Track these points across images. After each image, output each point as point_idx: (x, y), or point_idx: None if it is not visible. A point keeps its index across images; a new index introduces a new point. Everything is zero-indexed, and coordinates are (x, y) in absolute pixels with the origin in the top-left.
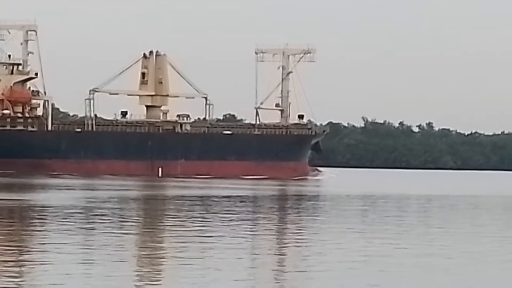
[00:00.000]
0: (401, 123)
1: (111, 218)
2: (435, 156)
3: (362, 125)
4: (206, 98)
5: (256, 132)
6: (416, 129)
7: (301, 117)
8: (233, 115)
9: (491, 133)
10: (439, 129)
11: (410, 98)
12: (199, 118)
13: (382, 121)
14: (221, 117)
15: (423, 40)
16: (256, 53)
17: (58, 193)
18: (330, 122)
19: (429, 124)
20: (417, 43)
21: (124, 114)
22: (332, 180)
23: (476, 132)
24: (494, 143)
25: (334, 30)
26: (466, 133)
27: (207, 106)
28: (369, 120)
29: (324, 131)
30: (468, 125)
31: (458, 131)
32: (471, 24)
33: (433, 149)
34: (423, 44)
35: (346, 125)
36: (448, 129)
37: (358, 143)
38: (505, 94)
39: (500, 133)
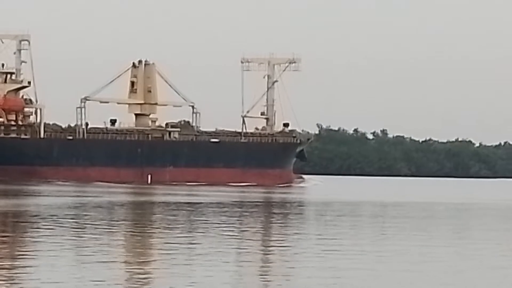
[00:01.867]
0: (355, 130)
1: (100, 223)
2: (390, 163)
3: (317, 131)
4: (193, 107)
5: (242, 140)
6: (370, 136)
7: (286, 125)
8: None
9: (445, 140)
10: (393, 136)
11: (365, 105)
12: (185, 121)
13: (336, 128)
14: (210, 130)
15: (379, 46)
16: (242, 62)
17: (49, 199)
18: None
19: (384, 131)
20: (373, 49)
21: (113, 122)
22: (317, 187)
23: (430, 139)
24: (448, 150)
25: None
26: (420, 140)
27: (194, 115)
28: (324, 127)
29: (308, 139)
30: (422, 132)
31: (412, 138)
32: (424, 31)
33: (387, 156)
34: (378, 50)
35: (300, 131)
36: (403, 136)
37: (312, 150)
38: (459, 101)
39: (454, 140)
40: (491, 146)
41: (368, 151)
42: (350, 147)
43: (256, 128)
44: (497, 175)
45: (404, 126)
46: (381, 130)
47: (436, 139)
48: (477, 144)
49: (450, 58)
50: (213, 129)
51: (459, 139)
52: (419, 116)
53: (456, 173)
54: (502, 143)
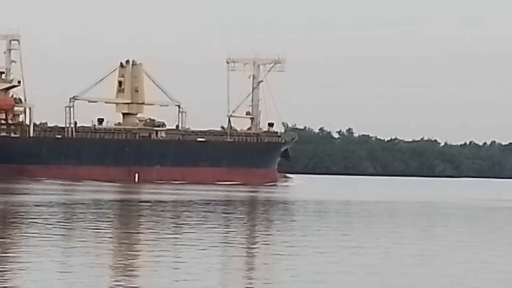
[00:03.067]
0: (321, 129)
1: (87, 220)
2: (355, 162)
3: (283, 130)
4: (179, 106)
5: (228, 139)
6: (336, 135)
7: (271, 125)
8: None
9: (410, 140)
10: (359, 135)
11: (330, 104)
12: (177, 127)
13: (302, 127)
14: (196, 129)
15: (341, 44)
16: (227, 62)
17: (37, 197)
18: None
19: (349, 130)
20: (334, 47)
21: (100, 121)
22: (301, 186)
23: (395, 139)
24: (414, 149)
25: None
26: (385, 140)
27: (180, 114)
28: (289, 125)
29: (293, 138)
30: (388, 132)
31: (378, 137)
32: (394, 29)
33: (353, 155)
34: (347, 48)
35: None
36: (368, 135)
37: None
38: (425, 101)
39: (419, 139)
40: (456, 145)
41: (334, 150)
42: (316, 146)
43: (242, 129)
44: (462, 175)
45: (370, 125)
46: (346, 129)
47: (401, 138)
48: (442, 144)
49: (415, 57)
50: (199, 129)
51: (425, 139)
52: (385, 115)
53: (421, 172)
54: (467, 143)
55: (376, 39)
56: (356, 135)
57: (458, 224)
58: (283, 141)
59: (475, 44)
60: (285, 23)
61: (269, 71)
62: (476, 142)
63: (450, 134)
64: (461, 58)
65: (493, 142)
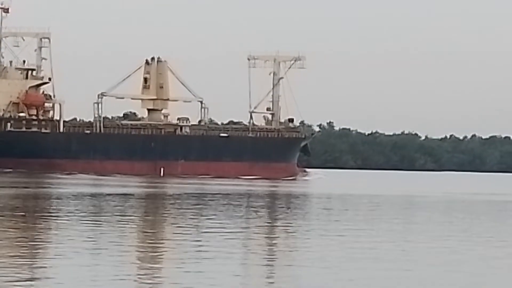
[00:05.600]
0: (301, 122)
1: (114, 212)
2: (336, 155)
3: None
4: (201, 102)
5: (250, 135)
6: (317, 129)
7: (291, 120)
8: (232, 121)
9: (391, 133)
10: (339, 129)
11: (311, 97)
12: (200, 121)
13: (282, 120)
14: (220, 122)
15: (327, 38)
16: (248, 59)
17: (68, 189)
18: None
19: (330, 124)
20: (317, 41)
21: (126, 116)
22: (320, 181)
23: (376, 132)
24: (394, 143)
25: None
26: (366, 133)
27: (203, 110)
28: (269, 119)
29: (312, 134)
30: (369, 125)
31: (358, 130)
32: (376, 24)
33: (333, 149)
34: (326, 42)
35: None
36: (349, 129)
37: None
38: (405, 94)
39: (400, 133)
40: (437, 139)
41: (314, 143)
42: None
43: (262, 124)
44: (443, 168)
45: (350, 118)
46: (327, 123)
47: (382, 131)
48: (423, 137)
49: (395, 51)
50: (222, 124)
51: (405, 132)
52: (365, 108)
53: (402, 166)
54: (448, 136)
55: (360, 35)
56: (336, 128)
57: (436, 218)
58: (303, 136)
59: (457, 39)
60: (305, 20)
61: (289, 68)
62: (457, 135)
63: (431, 128)
64: (440, 53)
65: (474, 135)
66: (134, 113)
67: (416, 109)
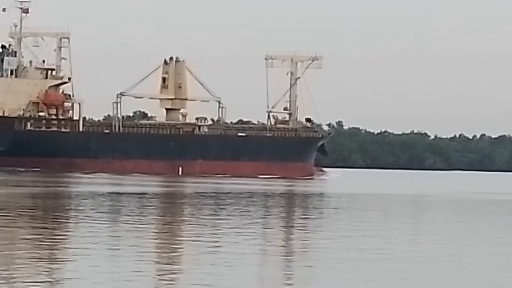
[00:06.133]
0: (309, 120)
1: (134, 210)
2: (345, 155)
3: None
4: (219, 102)
5: (268, 134)
6: (326, 128)
7: (308, 120)
8: (246, 121)
9: (400, 132)
10: (348, 128)
11: (320, 96)
12: (213, 119)
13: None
14: (234, 121)
15: (336, 38)
16: (266, 59)
17: (88, 187)
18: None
19: (339, 123)
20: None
21: (144, 116)
22: (337, 180)
23: (385, 131)
24: (403, 142)
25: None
26: (375, 132)
27: (220, 109)
28: (279, 118)
29: (329, 133)
30: (378, 124)
31: (367, 130)
32: (387, 24)
33: (342, 148)
34: (334, 42)
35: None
36: (358, 128)
37: None
38: (414, 93)
39: (409, 132)
40: (446, 138)
41: (331, 143)
42: None
43: (279, 122)
44: (452, 168)
45: (360, 117)
46: (336, 122)
47: (391, 131)
48: (432, 136)
49: (405, 50)
50: (240, 124)
51: (414, 131)
52: (375, 108)
53: (411, 165)
54: (457, 135)
55: (369, 34)
56: (346, 127)
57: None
58: (320, 136)
59: (468, 39)
60: (323, 20)
61: (306, 68)
62: (466, 135)
63: (440, 127)
64: (451, 53)
65: (483, 135)
66: (143, 112)
67: (425, 108)
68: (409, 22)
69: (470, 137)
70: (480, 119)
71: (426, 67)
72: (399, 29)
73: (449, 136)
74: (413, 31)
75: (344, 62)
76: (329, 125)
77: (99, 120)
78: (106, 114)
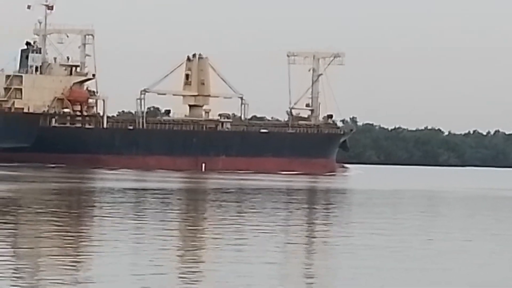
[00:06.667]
0: (324, 118)
1: (160, 204)
2: (359, 151)
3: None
4: (241, 98)
5: (290, 131)
6: (340, 124)
7: (330, 116)
8: (260, 117)
9: (414, 128)
10: (362, 124)
11: (340, 93)
12: (234, 114)
13: (306, 116)
14: (248, 117)
15: (351, 35)
16: (288, 56)
17: (113, 183)
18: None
19: (353, 119)
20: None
21: (167, 112)
22: (359, 176)
23: (399, 127)
24: (417, 138)
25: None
26: (389, 128)
27: (243, 106)
28: (294, 114)
29: (351, 130)
30: (392, 120)
31: (381, 126)
32: (397, 20)
33: (356, 144)
34: (350, 39)
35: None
36: (372, 124)
37: None
38: (428, 89)
39: (423, 128)
40: (460, 134)
41: (353, 139)
42: None
43: (301, 118)
44: (466, 164)
45: (373, 113)
46: (350, 118)
47: (405, 127)
48: (446, 133)
49: (419, 47)
50: (262, 120)
51: (428, 127)
52: (388, 103)
53: (425, 161)
54: (471, 132)
55: (383, 31)
56: (360, 123)
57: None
58: (342, 132)
59: (482, 35)
60: (345, 17)
61: (328, 64)
62: (480, 131)
63: (454, 123)
64: (465, 49)
65: (497, 131)
66: (157, 108)
67: (439, 104)
68: (424, 19)
69: (484, 133)
70: (494, 115)
71: (441, 63)
72: (412, 27)
73: (463, 132)
74: (428, 27)
75: (359, 59)
76: (343, 121)
77: (118, 114)
78: (125, 110)
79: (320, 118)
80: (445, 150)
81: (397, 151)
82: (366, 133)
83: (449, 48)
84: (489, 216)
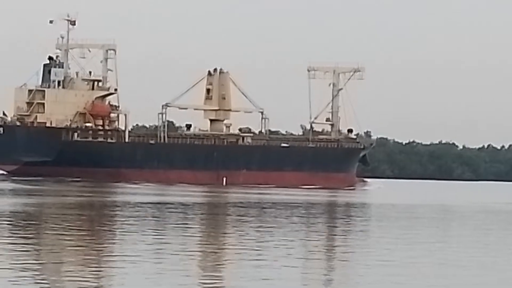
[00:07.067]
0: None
1: (181, 218)
2: (373, 165)
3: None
4: (262, 113)
5: (310, 145)
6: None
7: (350, 131)
8: (274, 131)
9: (428, 143)
10: (377, 138)
11: (358, 107)
12: (249, 129)
13: (320, 130)
14: (278, 131)
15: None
16: (308, 70)
17: (136, 197)
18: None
19: (367, 133)
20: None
21: (188, 127)
22: (379, 190)
23: (413, 142)
24: (431, 152)
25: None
26: (403, 142)
27: (263, 120)
28: (307, 128)
29: (371, 144)
30: (406, 134)
31: (395, 140)
32: (410, 32)
33: (371, 158)
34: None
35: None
36: (386, 138)
37: None
38: (443, 104)
39: (437, 142)
40: (475, 148)
41: (372, 154)
42: None
43: (320, 133)
44: (480, 178)
45: (388, 128)
46: (364, 132)
47: (419, 141)
48: (461, 147)
49: (434, 61)
50: (283, 135)
51: (443, 142)
52: (403, 118)
53: (439, 175)
54: (486, 146)
55: (395, 43)
56: (374, 137)
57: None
58: (362, 146)
59: (498, 49)
60: (365, 31)
61: (349, 79)
62: (494, 145)
63: (468, 137)
64: (480, 64)
65: (511, 145)
66: (172, 122)
67: (453, 118)
68: (434, 32)
69: (499, 148)
70: (509, 129)
71: (455, 77)
72: (425, 40)
73: (477, 147)
74: (441, 40)
75: (376, 73)
76: (357, 135)
77: (136, 125)
78: (139, 124)
79: (341, 132)
80: (459, 164)
81: (411, 165)
82: (380, 147)
83: (463, 62)
84: (507, 230)
